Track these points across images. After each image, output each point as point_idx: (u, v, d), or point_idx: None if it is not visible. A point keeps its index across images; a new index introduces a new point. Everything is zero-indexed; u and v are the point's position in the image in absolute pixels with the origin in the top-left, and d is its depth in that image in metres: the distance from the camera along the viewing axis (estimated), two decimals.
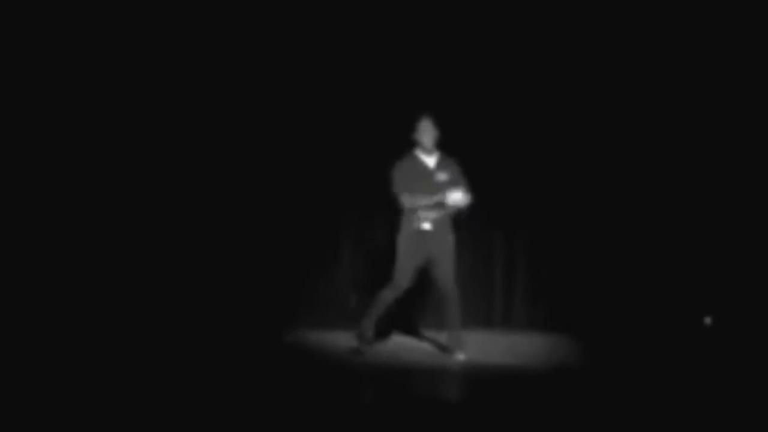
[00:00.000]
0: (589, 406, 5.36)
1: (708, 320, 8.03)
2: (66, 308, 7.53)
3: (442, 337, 7.09)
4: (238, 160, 8.07)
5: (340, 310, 8.20)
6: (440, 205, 6.70)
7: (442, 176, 6.80)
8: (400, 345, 7.53)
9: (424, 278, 6.92)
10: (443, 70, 8.11)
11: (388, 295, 6.78)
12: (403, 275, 6.74)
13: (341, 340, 7.33)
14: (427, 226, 6.74)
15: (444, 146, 6.89)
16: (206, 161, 8.02)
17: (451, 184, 6.73)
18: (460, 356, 6.80)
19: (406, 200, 6.74)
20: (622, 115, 8.19)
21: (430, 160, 6.85)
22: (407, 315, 7.85)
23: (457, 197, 6.66)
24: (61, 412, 4.84)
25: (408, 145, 6.87)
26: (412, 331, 7.94)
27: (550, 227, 8.33)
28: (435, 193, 6.70)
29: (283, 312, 8.08)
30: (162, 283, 7.80)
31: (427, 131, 6.80)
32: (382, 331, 7.31)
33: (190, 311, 7.78)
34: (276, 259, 8.12)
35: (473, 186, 6.83)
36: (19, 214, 7.58)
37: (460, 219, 6.89)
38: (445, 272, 6.76)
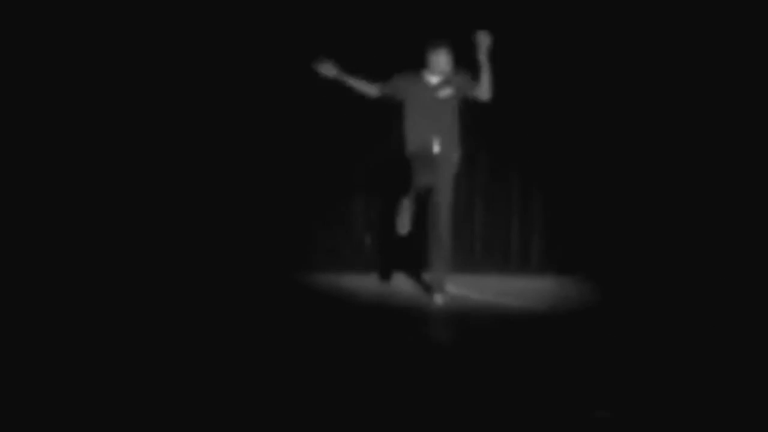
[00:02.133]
0: (602, 348, 5.30)
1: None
2: (74, 250, 7.49)
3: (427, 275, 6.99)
4: (251, 102, 7.98)
5: (355, 252, 8.15)
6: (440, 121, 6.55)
7: (445, 92, 6.61)
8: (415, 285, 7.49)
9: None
10: (459, 9, 7.94)
11: (401, 217, 6.67)
12: (421, 177, 6.59)
13: (357, 282, 7.32)
14: (436, 148, 6.60)
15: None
16: (220, 104, 7.92)
17: (454, 101, 6.58)
18: (439, 299, 6.68)
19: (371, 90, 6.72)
20: (640, 61, 8.05)
21: (434, 78, 6.68)
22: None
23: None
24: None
25: None
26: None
27: (566, 169, 8.22)
28: (436, 110, 6.56)
29: (297, 255, 8.02)
30: (175, 230, 7.76)
31: (435, 61, 6.62)
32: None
33: (203, 254, 7.75)
34: (288, 202, 8.05)
35: (487, 131, 6.69)
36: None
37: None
38: (441, 202, 6.61)
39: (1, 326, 5.34)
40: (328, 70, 6.74)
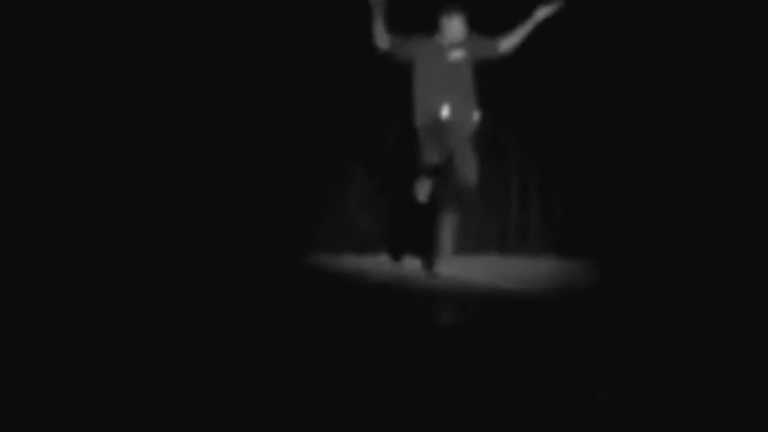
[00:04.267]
0: (602, 330, 5.25)
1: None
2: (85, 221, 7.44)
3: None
4: (248, 78, 7.87)
5: (352, 233, 8.06)
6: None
7: (456, 54, 6.46)
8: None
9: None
10: None
11: (421, 187, 6.51)
12: (431, 153, 6.43)
13: (353, 262, 7.26)
14: (445, 113, 6.44)
15: None
16: (216, 80, 7.82)
17: (467, 63, 6.43)
18: (436, 272, 6.53)
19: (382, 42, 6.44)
20: (645, 29, 7.93)
21: (446, 41, 6.50)
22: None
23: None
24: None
25: None
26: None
27: (565, 147, 8.10)
28: (448, 74, 6.39)
29: (294, 235, 7.93)
30: (177, 215, 7.70)
31: (448, 26, 6.44)
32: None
33: (201, 234, 7.69)
34: (285, 182, 7.96)
35: (486, 107, 6.56)
36: None
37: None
38: (463, 166, 6.45)
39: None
40: None
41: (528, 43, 6.93)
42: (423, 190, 6.49)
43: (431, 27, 6.54)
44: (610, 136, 8.05)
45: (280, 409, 3.73)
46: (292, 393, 3.91)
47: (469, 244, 7.87)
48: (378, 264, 7.48)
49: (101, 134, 7.62)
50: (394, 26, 6.70)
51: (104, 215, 7.56)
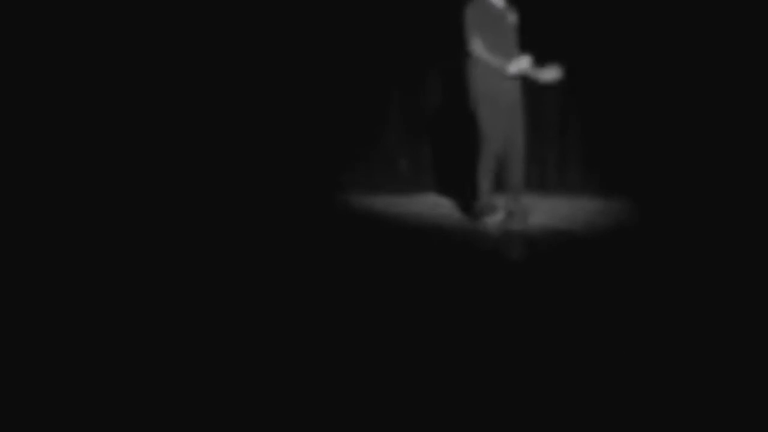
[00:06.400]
0: (639, 270, 5.21)
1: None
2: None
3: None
4: (288, 21, 7.89)
5: (390, 174, 8.07)
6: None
7: (512, 17, 6.41)
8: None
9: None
10: None
11: (483, 165, 6.46)
12: (493, 132, 6.42)
13: (391, 204, 7.26)
14: (514, 69, 6.37)
15: None
16: (257, 24, 7.85)
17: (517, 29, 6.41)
18: (492, 220, 6.51)
19: (478, 48, 6.33)
20: None
21: (498, 1, 6.44)
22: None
23: (523, 65, 6.34)
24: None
25: None
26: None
27: (603, 87, 8.03)
28: (506, 36, 6.33)
29: (333, 176, 7.96)
30: (212, 156, 7.75)
31: None
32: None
33: (240, 173, 7.74)
34: (323, 122, 7.96)
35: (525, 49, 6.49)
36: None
37: None
38: (517, 156, 6.41)
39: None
40: None
41: None
42: (485, 188, 6.45)
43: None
44: (650, 75, 7.98)
45: (325, 348, 3.77)
46: (337, 333, 3.94)
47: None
48: (416, 204, 7.49)
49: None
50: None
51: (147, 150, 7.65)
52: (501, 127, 6.31)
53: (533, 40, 6.56)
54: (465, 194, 7.29)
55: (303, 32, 7.92)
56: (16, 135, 7.48)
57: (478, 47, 6.29)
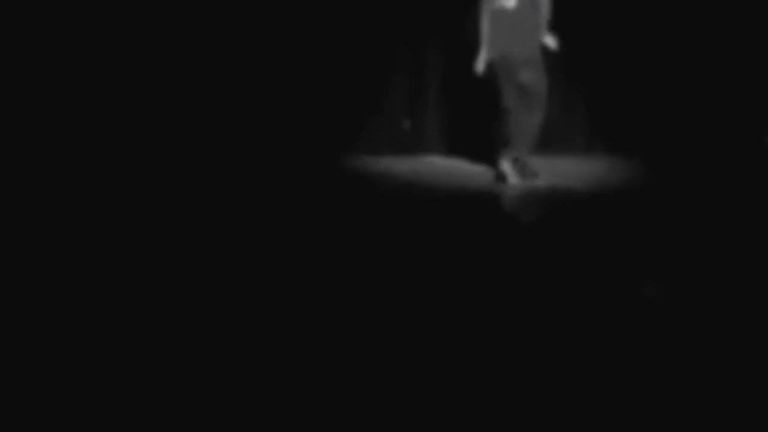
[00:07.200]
0: (646, 227, 5.19)
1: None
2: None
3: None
4: None
5: (394, 135, 8.00)
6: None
7: None
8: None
9: None
10: None
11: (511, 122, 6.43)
12: (508, 87, 6.39)
13: (395, 165, 7.22)
14: (511, 2, 6.35)
15: None
16: None
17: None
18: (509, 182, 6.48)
19: None
20: None
21: None
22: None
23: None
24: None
25: None
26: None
27: (608, 46, 7.96)
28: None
29: (335, 138, 7.88)
30: (215, 119, 7.67)
31: None
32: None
33: (246, 138, 7.67)
34: (325, 83, 7.89)
35: None
36: None
37: None
38: (533, 67, 6.39)
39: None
40: None
41: None
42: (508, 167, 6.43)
43: None
44: (656, 33, 7.90)
45: (341, 311, 3.74)
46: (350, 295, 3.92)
47: None
48: (422, 165, 7.46)
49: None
50: None
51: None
52: (517, 80, 6.29)
53: None
54: (476, 156, 7.30)
55: None
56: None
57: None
